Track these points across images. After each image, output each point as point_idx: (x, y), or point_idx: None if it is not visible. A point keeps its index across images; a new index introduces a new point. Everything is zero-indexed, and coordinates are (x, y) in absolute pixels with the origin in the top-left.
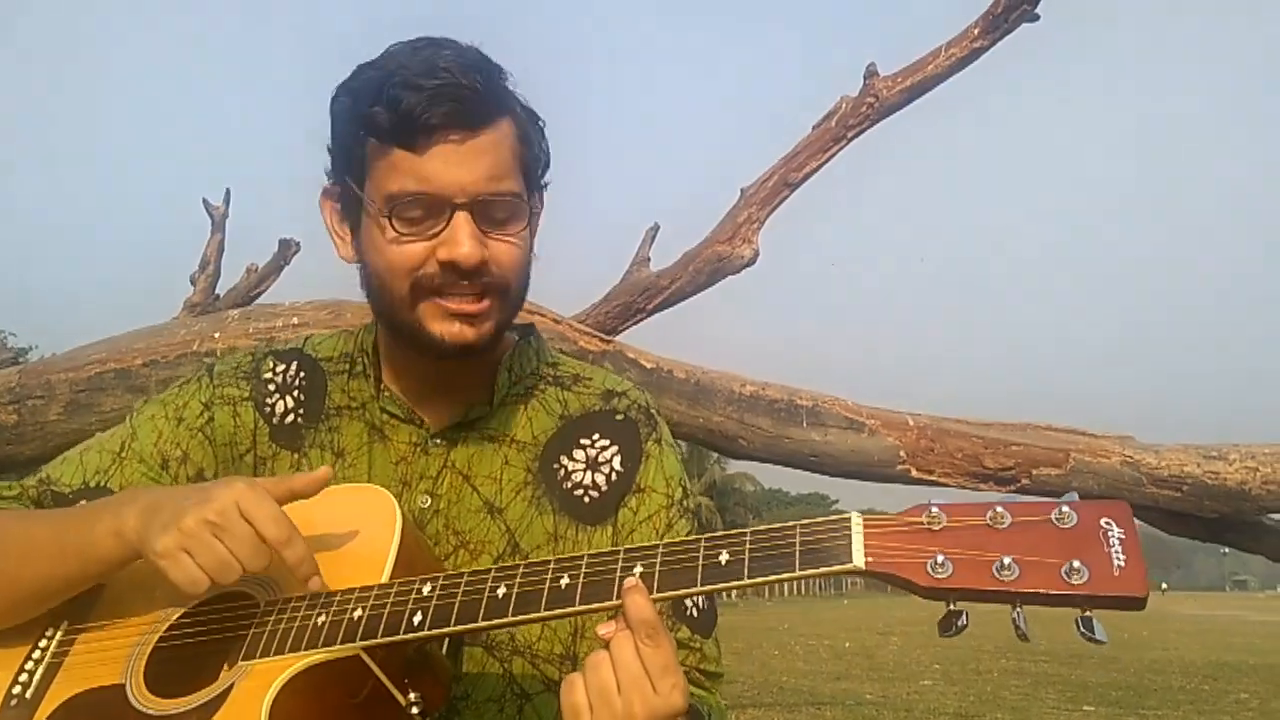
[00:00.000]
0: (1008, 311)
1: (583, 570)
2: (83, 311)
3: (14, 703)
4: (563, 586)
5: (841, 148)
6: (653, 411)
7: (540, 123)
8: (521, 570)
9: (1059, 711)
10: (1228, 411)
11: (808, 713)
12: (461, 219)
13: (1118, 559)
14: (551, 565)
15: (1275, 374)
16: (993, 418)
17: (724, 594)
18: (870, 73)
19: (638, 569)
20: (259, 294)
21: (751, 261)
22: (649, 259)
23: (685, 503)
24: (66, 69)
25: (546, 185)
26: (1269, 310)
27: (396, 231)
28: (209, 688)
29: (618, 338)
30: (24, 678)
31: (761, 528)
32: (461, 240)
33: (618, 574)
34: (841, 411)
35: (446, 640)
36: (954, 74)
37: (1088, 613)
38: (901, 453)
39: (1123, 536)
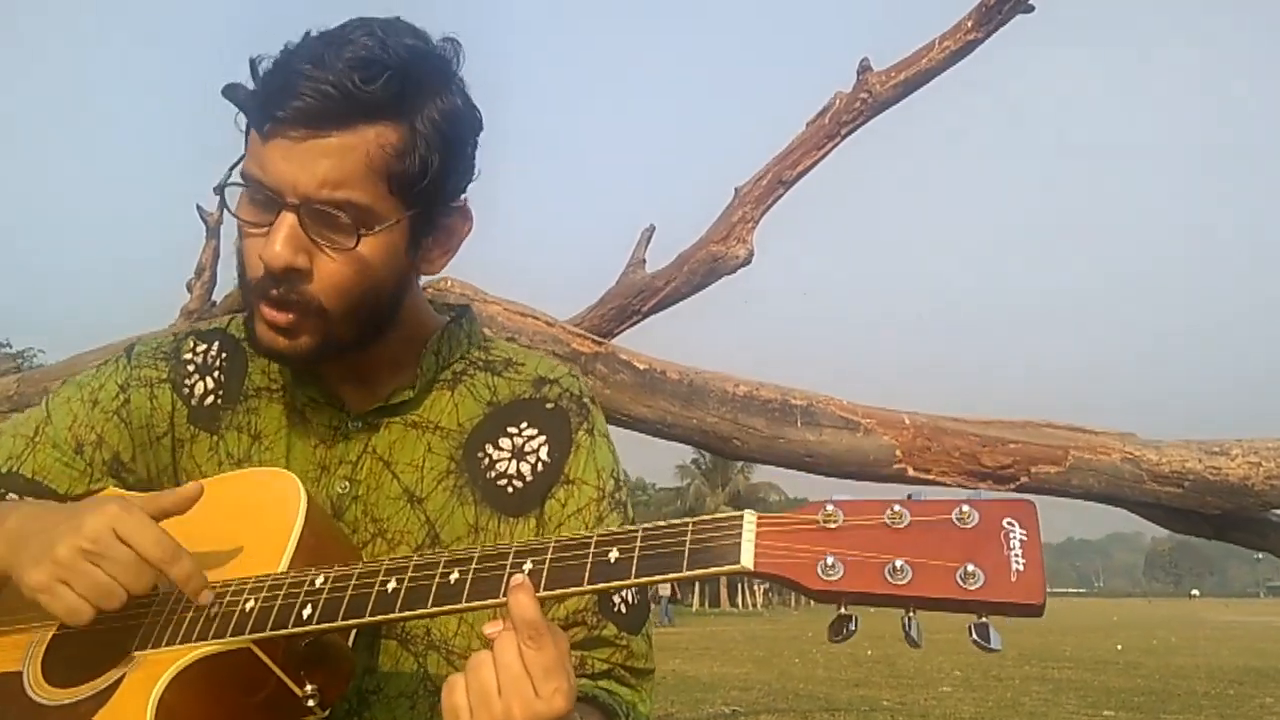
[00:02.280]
0: (1007, 311)
1: (473, 566)
2: (86, 319)
3: None
4: (451, 582)
5: (836, 144)
6: (586, 400)
7: (469, 137)
8: (414, 564)
9: (1078, 716)
10: (1229, 407)
11: (821, 718)
12: (284, 219)
13: (1016, 563)
14: (443, 560)
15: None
16: (992, 417)
17: (749, 602)
18: (864, 68)
19: (527, 565)
20: None
21: (747, 261)
22: (644, 260)
23: (617, 495)
24: (64, 73)
25: (456, 204)
26: (1271, 308)
27: (243, 218)
28: (102, 677)
29: (614, 340)
30: None
31: (655, 525)
32: (274, 239)
33: (507, 570)
34: (837, 411)
35: (354, 633)
36: (948, 67)
37: (983, 619)
38: (898, 452)
39: (1024, 538)
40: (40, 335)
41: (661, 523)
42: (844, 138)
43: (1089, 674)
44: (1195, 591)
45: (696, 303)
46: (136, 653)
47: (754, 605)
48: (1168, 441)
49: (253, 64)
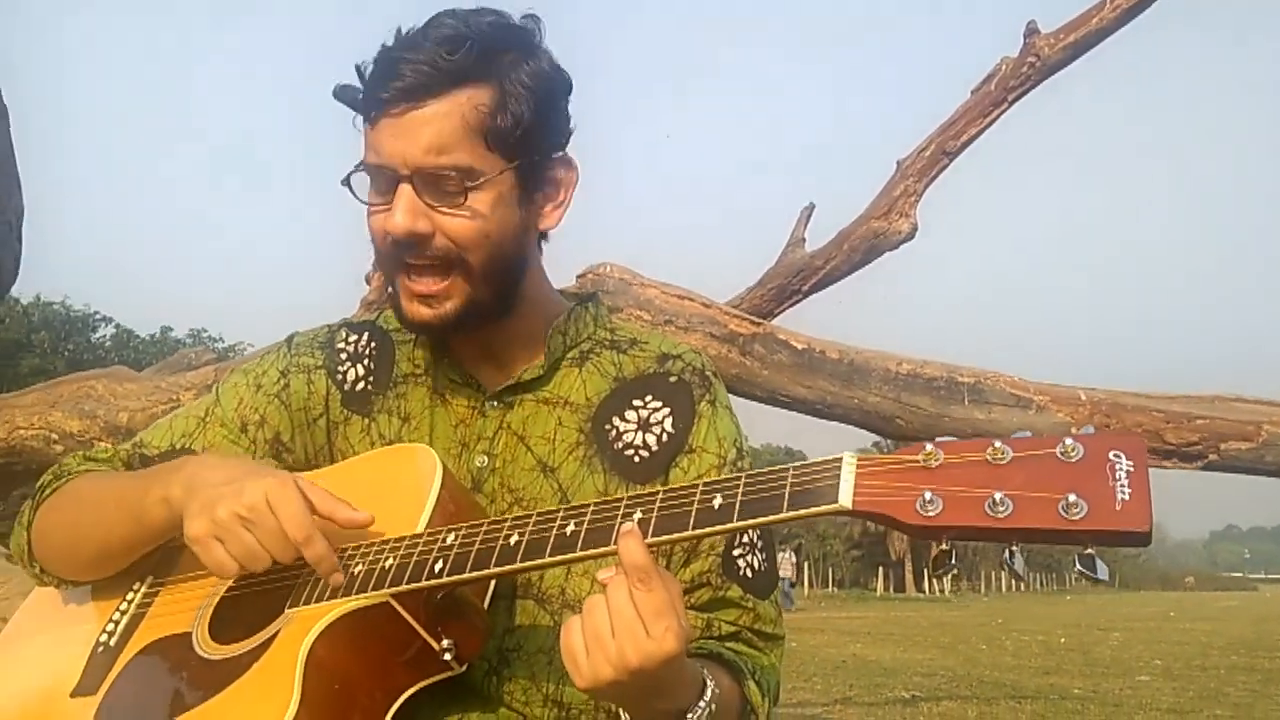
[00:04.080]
0: (1195, 280)
1: (588, 517)
2: (285, 312)
3: (100, 650)
4: (568, 533)
5: (1002, 112)
6: (708, 373)
7: (560, 94)
8: (534, 518)
9: None
10: None
11: (1006, 705)
12: (401, 190)
13: (1122, 492)
14: (561, 513)
15: None
16: (1177, 392)
17: (936, 587)
18: (1030, 30)
19: (637, 514)
20: None
21: (910, 236)
22: (804, 239)
23: (739, 463)
24: (277, 85)
25: (559, 153)
26: None
27: (367, 202)
28: (259, 633)
29: (774, 320)
30: (110, 627)
31: (758, 470)
32: (395, 210)
33: (619, 520)
34: (1006, 388)
35: (490, 591)
36: (1121, 27)
37: (1088, 550)
38: (1073, 429)
39: (1131, 469)
40: (249, 330)
41: (766, 469)
42: (1011, 104)
43: None
44: None
45: (858, 281)
46: (289, 610)
47: (941, 590)
48: None
49: (358, 69)
